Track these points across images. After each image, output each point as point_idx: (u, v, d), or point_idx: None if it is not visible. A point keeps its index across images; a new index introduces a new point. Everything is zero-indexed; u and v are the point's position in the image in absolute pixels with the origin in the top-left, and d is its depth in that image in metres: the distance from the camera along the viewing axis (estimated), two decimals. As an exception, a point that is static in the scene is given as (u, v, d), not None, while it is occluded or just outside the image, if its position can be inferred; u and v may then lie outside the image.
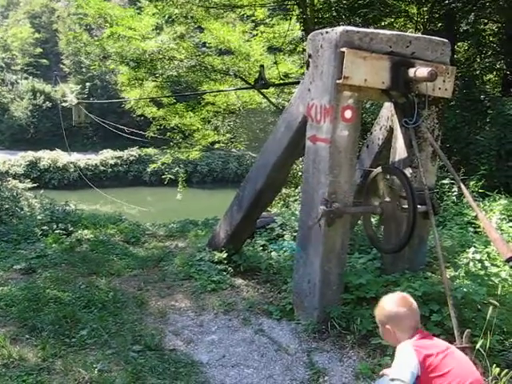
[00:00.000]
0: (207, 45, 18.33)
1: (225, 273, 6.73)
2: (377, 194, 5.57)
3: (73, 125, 25.29)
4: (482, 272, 5.53)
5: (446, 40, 5.28)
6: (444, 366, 2.86)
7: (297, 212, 8.26)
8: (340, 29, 4.79)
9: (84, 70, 45.34)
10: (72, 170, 36.22)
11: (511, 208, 7.89)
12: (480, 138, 10.88)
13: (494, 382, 3.73)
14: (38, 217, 10.16)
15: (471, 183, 9.01)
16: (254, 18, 16.66)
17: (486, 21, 14.31)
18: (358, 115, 5.03)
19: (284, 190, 12.63)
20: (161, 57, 16.25)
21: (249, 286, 6.46)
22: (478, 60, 15.11)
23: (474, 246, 6.24)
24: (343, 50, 4.66)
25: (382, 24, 13.78)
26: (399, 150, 5.44)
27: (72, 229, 9.25)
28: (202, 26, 16.61)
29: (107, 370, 4.33)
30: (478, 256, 5.94)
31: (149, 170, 31.16)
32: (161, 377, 4.30)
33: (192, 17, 15.75)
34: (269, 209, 9.56)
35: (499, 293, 4.73)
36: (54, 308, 5.44)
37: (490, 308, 4.07)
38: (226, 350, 4.90)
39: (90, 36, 21.56)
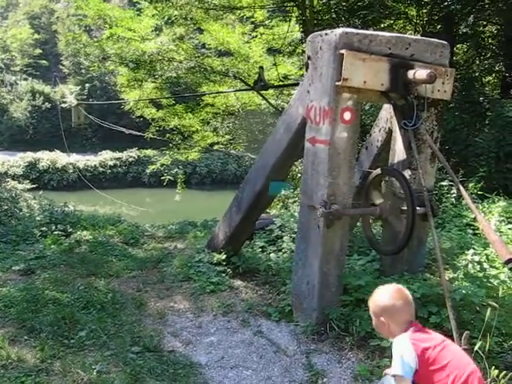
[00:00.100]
0: (206, 46, 18.36)
1: (224, 274, 6.73)
2: (376, 195, 5.58)
3: (72, 126, 25.30)
4: (481, 274, 5.53)
5: (445, 42, 5.29)
6: (442, 358, 2.87)
7: (296, 214, 8.26)
8: (339, 31, 4.79)
9: (83, 71, 45.35)
10: (71, 171, 36.21)
11: (510, 210, 7.89)
12: (479, 140, 10.89)
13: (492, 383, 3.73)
14: (37, 218, 10.16)
15: (470, 185, 9.01)
16: (253, 19, 16.67)
17: (485, 23, 14.31)
18: (357, 117, 5.03)
19: (283, 192, 12.61)
20: (160, 58, 16.28)
21: (248, 287, 6.46)
22: (477, 62, 15.12)
23: (473, 248, 6.24)
24: (342, 51, 4.66)
25: (382, 26, 13.79)
26: (398, 152, 5.45)
27: (71, 230, 9.24)
28: (202, 28, 16.62)
29: (106, 371, 4.32)
30: (476, 258, 5.94)
31: (148, 171, 31.13)
32: (159, 378, 4.29)
33: (191, 18, 15.77)
34: (268, 210, 9.56)
35: (498, 295, 4.74)
36: (52, 309, 5.43)
37: (489, 310, 4.07)
38: (225, 351, 4.90)
39: (89, 37, 21.58)
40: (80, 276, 6.79)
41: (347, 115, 4.89)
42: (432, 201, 5.20)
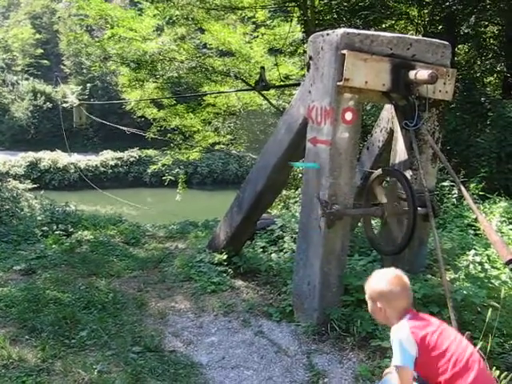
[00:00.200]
0: (208, 46, 18.35)
1: (225, 274, 6.73)
2: (377, 196, 5.57)
3: (74, 126, 25.31)
4: (482, 274, 5.52)
5: (447, 42, 5.28)
6: (441, 343, 2.88)
7: (297, 214, 8.25)
8: (341, 31, 4.79)
9: (85, 70, 45.40)
10: (72, 170, 36.26)
11: (511, 210, 7.89)
12: (480, 141, 10.89)
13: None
14: (38, 218, 10.17)
15: (471, 185, 9.01)
16: (254, 19, 16.67)
17: (486, 23, 14.32)
18: (359, 117, 5.03)
19: (284, 192, 12.63)
20: (161, 58, 16.28)
21: (249, 287, 6.46)
22: (479, 62, 15.13)
23: (474, 249, 6.24)
24: (344, 52, 4.66)
25: (383, 26, 13.81)
26: (399, 152, 5.44)
27: (72, 230, 9.26)
28: (203, 28, 16.61)
29: (107, 371, 4.32)
30: (478, 258, 5.94)
31: (149, 171, 31.10)
32: (160, 378, 4.29)
33: (193, 18, 15.77)
34: (269, 210, 9.56)
35: (499, 295, 4.73)
36: (53, 309, 5.44)
37: (490, 310, 4.07)
38: (226, 351, 4.90)
39: (90, 37, 21.59)
40: (81, 276, 6.80)
41: (348, 115, 4.89)
42: (433, 201, 5.19)
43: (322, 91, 4.96)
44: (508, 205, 8.14)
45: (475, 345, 3.79)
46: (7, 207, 10.95)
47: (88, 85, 47.09)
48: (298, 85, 6.38)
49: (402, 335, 2.90)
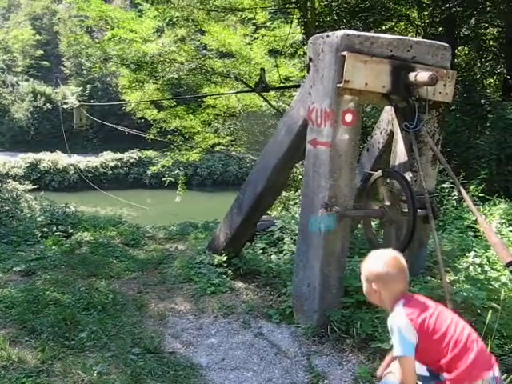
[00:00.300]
0: (208, 48, 18.37)
1: (224, 276, 6.73)
2: (377, 197, 5.58)
3: (74, 127, 25.32)
4: (482, 276, 5.52)
5: (447, 44, 5.29)
6: (440, 326, 2.86)
7: (297, 215, 8.25)
8: (341, 33, 4.79)
9: (85, 72, 45.40)
10: (72, 171, 36.26)
11: (511, 212, 7.89)
12: (480, 143, 10.89)
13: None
14: (38, 219, 10.17)
15: (471, 187, 9.01)
16: (254, 21, 16.70)
17: (486, 25, 14.33)
18: (359, 119, 5.03)
19: (284, 194, 12.63)
20: (161, 59, 16.30)
21: (248, 289, 6.46)
22: (479, 64, 15.14)
23: (474, 251, 6.24)
24: (344, 53, 4.66)
25: (383, 28, 13.81)
26: (399, 154, 5.45)
27: (72, 231, 9.26)
28: (203, 29, 16.63)
29: (106, 372, 4.32)
30: (477, 260, 5.94)
31: (149, 172, 31.20)
32: (160, 380, 4.29)
33: (193, 20, 15.79)
34: (269, 212, 9.56)
35: (499, 297, 4.73)
36: (53, 310, 5.43)
37: (490, 312, 4.07)
38: (226, 353, 4.89)
39: (90, 38, 21.61)
40: (81, 277, 6.79)
41: (348, 117, 4.89)
42: (433, 203, 5.20)
43: (322, 93, 4.97)
44: (508, 207, 8.14)
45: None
46: (7, 208, 10.95)
47: (88, 86, 47.10)
48: (298, 86, 6.38)
49: (401, 323, 2.87)
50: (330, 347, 4.87)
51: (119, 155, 38.88)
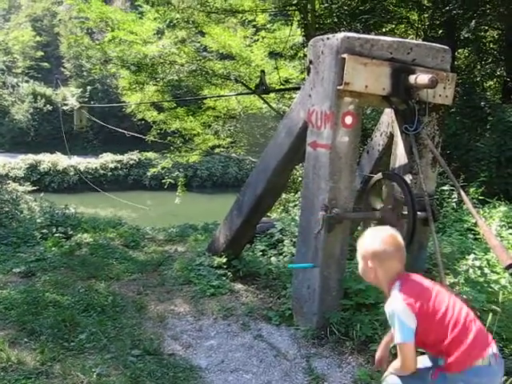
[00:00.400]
0: (208, 49, 18.36)
1: (224, 278, 6.73)
2: (377, 200, 5.58)
3: (74, 129, 25.30)
4: (482, 279, 5.53)
5: (447, 47, 5.29)
6: (438, 308, 2.84)
7: (297, 217, 8.25)
8: (341, 35, 4.80)
9: (85, 73, 45.36)
10: (72, 173, 36.20)
11: (511, 215, 7.89)
12: (480, 145, 10.90)
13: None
14: (38, 220, 10.16)
15: (471, 190, 9.01)
16: (255, 23, 16.69)
17: (486, 28, 14.34)
18: (359, 121, 5.04)
19: (284, 196, 12.62)
20: (162, 61, 16.28)
21: (248, 291, 6.46)
22: (479, 67, 15.15)
23: (474, 253, 6.24)
24: (344, 56, 4.67)
25: (383, 30, 13.82)
26: (399, 157, 5.45)
27: (72, 232, 9.26)
28: (203, 31, 16.63)
29: (106, 374, 4.32)
30: (477, 263, 5.94)
31: (149, 174, 31.18)
32: (159, 381, 4.29)
33: (193, 21, 15.79)
34: (269, 214, 9.56)
35: (500, 300, 4.73)
36: (52, 312, 5.43)
37: (490, 315, 4.07)
38: (225, 355, 4.89)
39: (91, 40, 21.58)
40: (80, 278, 6.79)
41: (348, 119, 4.89)
42: (433, 205, 5.20)
43: (322, 95, 4.97)
44: (508, 209, 8.15)
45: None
46: (7, 209, 10.92)
47: (88, 87, 47.07)
48: (298, 88, 6.40)
49: (398, 309, 2.82)
50: (329, 349, 4.87)
51: (119, 157, 38.83)
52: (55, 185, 35.44)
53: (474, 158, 10.88)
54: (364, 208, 5.66)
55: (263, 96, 15.16)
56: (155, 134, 19.94)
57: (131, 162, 38.63)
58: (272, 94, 16.43)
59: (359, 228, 6.79)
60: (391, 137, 5.80)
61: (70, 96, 41.22)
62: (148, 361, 4.61)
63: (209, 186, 38.42)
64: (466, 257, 6.18)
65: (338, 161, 4.96)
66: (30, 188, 20.86)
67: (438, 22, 13.78)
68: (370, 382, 4.24)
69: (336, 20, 13.67)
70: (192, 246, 8.86)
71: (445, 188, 8.65)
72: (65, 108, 35.81)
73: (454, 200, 8.56)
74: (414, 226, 4.88)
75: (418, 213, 4.92)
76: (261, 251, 7.76)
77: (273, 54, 17.20)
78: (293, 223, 8.22)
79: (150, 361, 4.61)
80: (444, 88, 5.10)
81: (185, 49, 16.37)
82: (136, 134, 21.30)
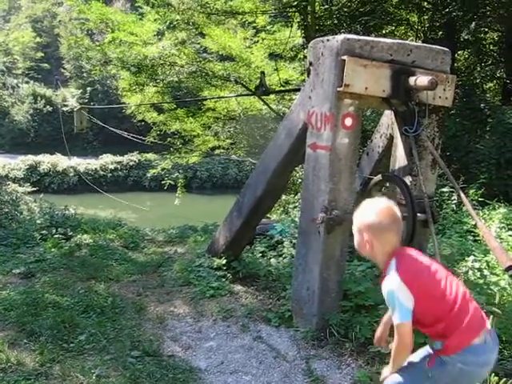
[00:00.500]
0: (208, 51, 18.38)
1: (224, 279, 6.73)
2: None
3: (74, 131, 25.27)
4: (481, 281, 5.53)
5: (447, 49, 5.29)
6: (436, 285, 2.82)
7: (296, 219, 8.26)
8: (341, 37, 4.80)
9: (85, 74, 45.35)
10: (72, 174, 36.21)
11: (510, 217, 7.90)
12: (480, 147, 10.91)
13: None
14: (38, 221, 10.16)
15: (471, 192, 9.02)
16: (255, 24, 16.68)
17: (486, 30, 14.37)
18: (359, 123, 5.04)
19: (284, 197, 12.63)
20: (162, 62, 16.28)
21: (248, 292, 6.46)
22: (479, 69, 15.18)
23: (474, 255, 6.25)
24: (344, 57, 4.67)
25: (383, 32, 13.84)
26: (399, 158, 5.45)
27: (71, 233, 9.25)
28: (203, 32, 16.63)
29: (105, 375, 4.32)
30: (477, 264, 5.95)
31: (148, 175, 31.17)
32: (159, 383, 4.29)
33: (193, 23, 15.78)
34: (268, 215, 9.56)
35: (497, 301, 4.73)
36: (52, 313, 5.43)
37: (491, 317, 4.06)
38: (225, 356, 4.89)
39: (91, 41, 21.57)
40: (80, 280, 6.79)
41: (348, 121, 4.90)
42: (433, 207, 5.20)
43: (322, 97, 4.97)
44: (507, 211, 8.16)
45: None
46: (6, 210, 10.93)
47: (88, 88, 47.07)
48: (298, 90, 6.40)
49: (396, 288, 2.76)
50: (328, 351, 4.87)
51: (119, 158, 38.83)
52: (55, 186, 35.43)
53: (473, 159, 10.90)
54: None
55: (263, 97, 15.19)
56: (155, 135, 19.95)
57: (131, 163, 38.63)
58: (272, 96, 16.43)
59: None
60: (391, 138, 5.80)
61: (69, 97, 41.25)
62: (147, 362, 4.60)
63: (208, 188, 38.40)
64: (466, 258, 6.19)
65: (338, 162, 4.96)
66: (29, 189, 20.88)
67: (437, 24, 13.81)
68: (370, 384, 4.24)
69: (336, 22, 13.68)
70: (192, 247, 8.86)
71: (444, 190, 8.66)
72: (65, 109, 35.80)
73: (454, 202, 8.58)
74: (413, 228, 4.88)
75: (418, 214, 4.92)
76: (260, 253, 7.77)
77: (273, 56, 17.20)
78: (293, 225, 8.23)
79: (150, 362, 4.61)
80: (444, 90, 5.10)
81: (185, 50, 16.36)
82: (136, 136, 21.33)
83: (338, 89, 4.74)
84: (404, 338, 2.79)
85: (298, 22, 14.74)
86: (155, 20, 15.90)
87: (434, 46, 5.23)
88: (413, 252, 2.98)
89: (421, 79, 4.70)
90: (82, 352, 4.74)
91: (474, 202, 8.61)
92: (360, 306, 5.10)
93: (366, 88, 4.75)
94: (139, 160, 36.84)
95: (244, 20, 16.42)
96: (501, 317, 4.56)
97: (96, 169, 37.70)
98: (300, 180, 11.27)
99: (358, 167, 6.11)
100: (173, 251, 8.74)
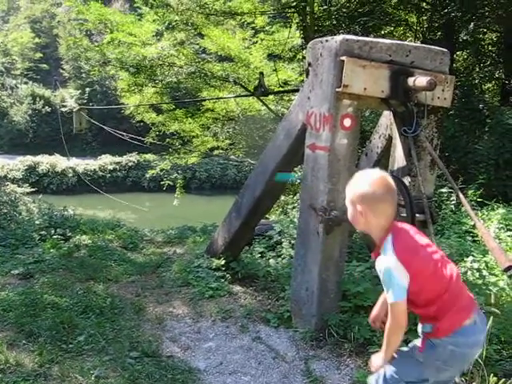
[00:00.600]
0: (207, 51, 18.39)
1: (223, 280, 6.72)
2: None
3: (73, 132, 25.27)
4: (480, 281, 5.53)
5: (446, 49, 5.29)
6: (432, 264, 2.78)
7: (295, 219, 8.26)
8: (340, 37, 4.80)
9: (84, 75, 45.40)
10: (71, 174, 36.22)
11: (509, 217, 7.91)
12: (478, 147, 10.92)
13: (491, 391, 3.72)
14: (37, 222, 10.14)
15: (469, 192, 9.03)
16: (253, 25, 16.71)
17: (485, 30, 14.38)
18: (357, 123, 5.04)
19: (282, 198, 12.62)
20: (161, 63, 16.30)
21: (247, 293, 6.46)
22: (477, 69, 15.18)
23: (472, 255, 6.25)
24: (343, 58, 4.67)
25: (382, 33, 13.85)
26: (398, 159, 5.45)
27: (70, 234, 9.24)
28: (202, 33, 16.65)
29: (104, 376, 4.31)
30: (476, 265, 5.95)
31: (147, 175, 31.20)
32: (158, 383, 4.29)
33: (192, 23, 15.80)
34: (267, 216, 9.56)
35: (493, 301, 4.73)
36: (51, 313, 5.42)
37: (492, 318, 4.07)
38: (224, 357, 4.89)
39: (90, 41, 21.59)
40: (79, 280, 6.78)
41: (347, 122, 4.90)
42: (431, 208, 5.20)
43: (320, 97, 4.97)
44: (506, 211, 8.16)
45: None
46: (5, 211, 10.90)
47: (87, 89, 47.11)
48: (297, 91, 6.40)
49: (391, 265, 2.69)
50: (328, 352, 4.87)
51: (118, 158, 38.85)
52: (54, 186, 35.44)
53: (472, 160, 10.90)
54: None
55: (262, 98, 15.19)
56: (154, 135, 19.96)
57: (130, 164, 38.65)
58: (271, 96, 16.44)
59: (358, 230, 6.79)
60: (390, 139, 5.79)
61: (68, 97, 41.23)
62: (146, 363, 4.60)
63: (207, 188, 38.43)
64: (465, 259, 6.19)
65: (337, 163, 4.96)
66: (28, 189, 20.87)
67: (436, 25, 13.81)
68: (369, 385, 4.24)
69: (335, 22, 13.69)
70: (190, 247, 8.85)
71: (443, 190, 8.66)
72: (63, 110, 35.81)
73: (453, 202, 8.58)
74: (412, 229, 4.88)
75: (417, 215, 4.92)
76: (259, 253, 7.76)
77: (272, 56, 17.22)
78: (291, 225, 8.23)
79: (149, 363, 4.60)
80: (442, 90, 5.10)
81: (184, 51, 16.38)
82: (135, 136, 21.33)
83: (337, 89, 4.74)
84: (398, 318, 2.74)
85: (297, 23, 14.76)
86: (154, 21, 15.92)
87: (432, 47, 5.23)
88: (409, 229, 2.91)
89: (419, 80, 4.70)
90: (80, 353, 4.73)
91: (473, 202, 8.62)
92: (359, 306, 5.10)
93: (365, 89, 4.75)
94: (138, 160, 36.89)
95: (243, 21, 16.44)
96: (500, 317, 4.57)
97: (95, 169, 37.72)
98: (299, 181, 11.27)
99: (356, 168, 6.11)
100: (172, 252, 8.73)
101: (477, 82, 14.68)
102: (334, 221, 4.96)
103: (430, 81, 4.59)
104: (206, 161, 35.76)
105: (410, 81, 4.77)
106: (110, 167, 38.31)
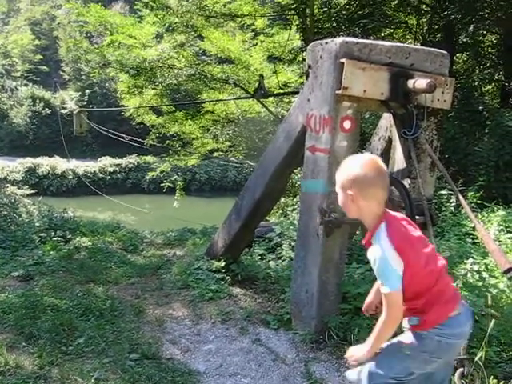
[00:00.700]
0: (207, 53, 18.41)
1: (223, 282, 6.72)
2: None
3: (74, 134, 25.28)
4: (480, 283, 5.52)
5: (445, 51, 5.30)
6: (423, 256, 2.76)
7: (295, 221, 8.25)
8: (340, 40, 4.80)
9: (84, 77, 45.50)
10: (71, 176, 36.25)
11: (509, 219, 7.91)
12: (478, 149, 10.92)
13: (491, 393, 3.72)
14: (36, 224, 10.14)
15: (469, 194, 9.03)
16: (253, 27, 16.73)
17: (484, 32, 14.39)
18: (357, 126, 5.04)
19: (282, 200, 12.64)
20: (161, 65, 16.33)
21: (247, 295, 6.45)
22: (477, 71, 15.19)
23: (472, 257, 6.24)
24: (343, 60, 4.67)
25: (382, 35, 13.87)
26: (398, 161, 5.45)
27: (70, 236, 9.23)
28: (202, 35, 16.68)
29: (104, 378, 4.31)
30: (476, 267, 5.94)
31: (147, 177, 31.25)
32: (157, 386, 4.29)
33: (192, 26, 15.83)
34: (267, 218, 9.56)
35: (497, 304, 4.73)
36: (51, 316, 5.41)
37: (493, 321, 4.06)
38: (224, 359, 4.89)
39: (90, 43, 21.64)
40: (79, 282, 6.78)
41: (347, 124, 4.90)
42: (431, 210, 5.20)
43: (320, 99, 4.98)
44: (506, 213, 8.16)
45: (474, 354, 3.80)
46: (5, 213, 10.90)
47: (87, 91, 47.18)
48: (297, 93, 6.40)
49: (386, 254, 2.63)
50: (327, 354, 4.86)
51: (118, 160, 38.90)
52: (54, 188, 35.48)
53: (472, 162, 10.90)
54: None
55: (262, 100, 15.20)
56: (154, 137, 19.98)
57: (130, 166, 38.70)
58: (271, 98, 16.47)
59: (357, 232, 6.80)
60: (390, 141, 5.79)
61: (68, 99, 41.27)
62: (146, 365, 4.59)
63: (207, 190, 38.46)
64: (465, 261, 6.18)
65: (337, 165, 4.91)
66: (28, 191, 20.88)
67: (436, 27, 13.83)
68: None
69: (335, 24, 13.71)
70: (190, 249, 8.85)
71: (443, 192, 8.66)
72: (63, 111, 35.83)
73: (453, 204, 8.58)
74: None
75: (417, 217, 4.91)
76: (259, 255, 7.76)
77: (271, 58, 17.24)
78: (291, 227, 8.22)
79: (149, 365, 4.60)
80: (442, 92, 5.11)
81: (184, 53, 16.41)
82: (135, 138, 21.34)
83: (337, 91, 4.74)
84: (394, 309, 2.69)
85: (297, 25, 14.77)
86: (154, 23, 15.95)
87: (432, 49, 5.24)
88: (401, 216, 2.89)
89: (419, 82, 4.70)
90: (80, 355, 4.72)
91: (473, 204, 8.62)
92: (359, 308, 5.06)
93: (365, 91, 4.75)
94: (138, 162, 36.95)
95: (243, 23, 16.46)
96: (499, 319, 4.56)
97: (95, 171, 37.76)
98: (299, 182, 11.27)
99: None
100: (172, 254, 8.73)
101: (476, 84, 14.68)
102: (333, 223, 4.96)
103: (430, 83, 4.59)
104: (206, 163, 35.80)
105: (410, 83, 4.77)
106: (110, 169, 38.34)
